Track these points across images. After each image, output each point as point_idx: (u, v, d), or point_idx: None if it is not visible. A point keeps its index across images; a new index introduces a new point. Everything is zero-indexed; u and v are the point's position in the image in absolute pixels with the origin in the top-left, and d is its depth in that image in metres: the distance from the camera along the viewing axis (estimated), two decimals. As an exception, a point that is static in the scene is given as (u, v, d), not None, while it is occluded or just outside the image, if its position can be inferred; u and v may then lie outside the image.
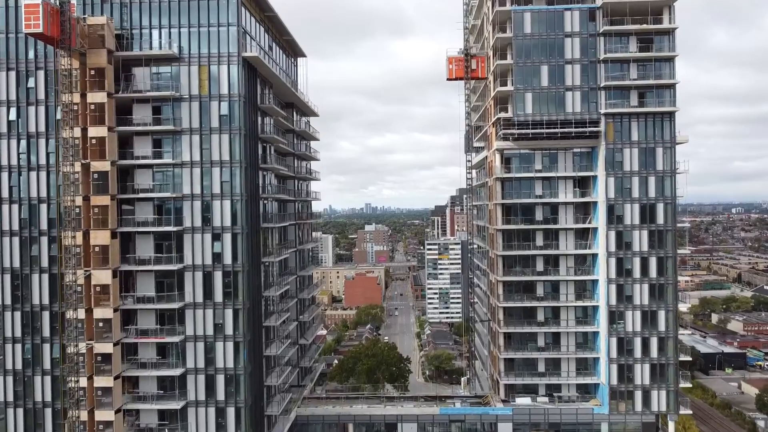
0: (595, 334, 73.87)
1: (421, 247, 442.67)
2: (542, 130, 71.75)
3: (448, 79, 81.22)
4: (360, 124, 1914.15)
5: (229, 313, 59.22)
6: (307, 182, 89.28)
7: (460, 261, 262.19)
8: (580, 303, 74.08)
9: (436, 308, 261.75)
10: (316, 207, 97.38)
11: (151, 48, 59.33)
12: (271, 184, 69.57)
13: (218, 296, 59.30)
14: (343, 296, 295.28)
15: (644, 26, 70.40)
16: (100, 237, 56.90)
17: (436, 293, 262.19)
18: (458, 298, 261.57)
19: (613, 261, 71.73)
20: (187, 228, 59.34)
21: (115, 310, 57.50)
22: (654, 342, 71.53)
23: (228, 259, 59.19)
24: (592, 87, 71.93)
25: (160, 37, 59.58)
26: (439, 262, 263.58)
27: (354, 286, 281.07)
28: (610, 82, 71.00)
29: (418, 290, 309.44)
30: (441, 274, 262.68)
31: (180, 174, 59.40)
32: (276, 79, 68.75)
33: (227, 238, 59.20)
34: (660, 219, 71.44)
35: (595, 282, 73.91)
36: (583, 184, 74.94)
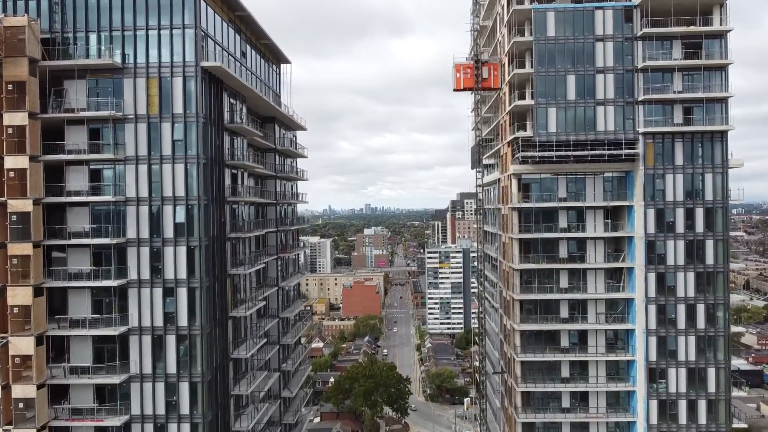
0: (630, 393, 61.33)
1: (421, 250, 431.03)
2: (569, 153, 59.18)
3: (455, 90, 68.62)
4: (359, 125, 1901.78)
5: (185, 387, 46.75)
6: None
7: (461, 270, 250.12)
8: (612, 357, 61.50)
9: (436, 319, 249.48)
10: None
11: (87, 56, 46.68)
12: (243, 218, 57.01)
13: (171, 366, 46.80)
14: (341, 305, 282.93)
15: (691, 28, 57.77)
16: (21, 295, 44.34)
17: (436, 303, 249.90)
18: (460, 308, 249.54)
19: (653, 308, 59.17)
20: (132, 281, 46.74)
21: (41, 387, 44.97)
22: (702, 406, 59.03)
23: (183, 319, 46.69)
24: (628, 101, 59.33)
25: (99, 42, 46.89)
26: (440, 270, 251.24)
27: (352, 294, 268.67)
28: (649, 95, 58.44)
29: (418, 297, 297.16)
30: (442, 283, 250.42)
31: (124, 213, 46.85)
32: (250, 92, 56.14)
33: (182, 293, 46.69)
34: (710, 258, 58.88)
35: (630, 332, 61.36)
36: (616, 216, 62.37)
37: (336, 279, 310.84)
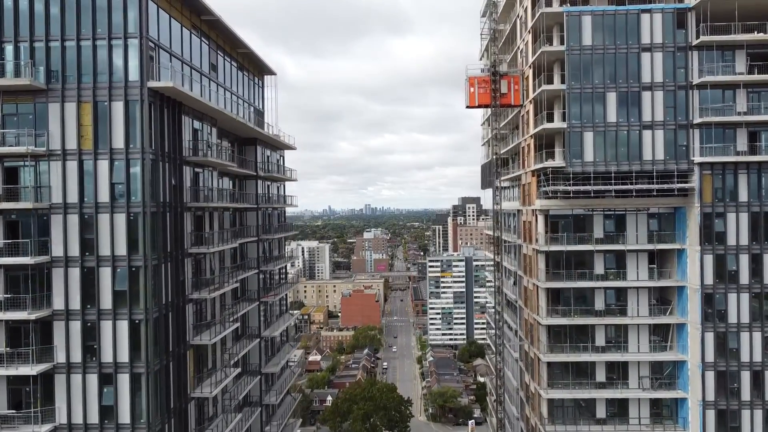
0: (681, 475, 50.43)
1: (422, 253, 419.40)
2: (609, 187, 48.09)
3: (468, 107, 57.47)
4: (359, 125, 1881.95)
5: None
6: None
7: (464, 279, 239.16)
8: (659, 430, 50.53)
9: (438, 329, 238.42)
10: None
11: (2, 74, 35.65)
12: (210, 270, 45.86)
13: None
14: (339, 313, 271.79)
15: (760, 36, 46.69)
16: None
17: (438, 313, 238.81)
18: (462, 318, 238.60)
19: (710, 375, 48.15)
20: (59, 365, 35.72)
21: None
22: (771, 495, 48.14)
23: (125, 416, 35.65)
24: (680, 124, 48.28)
25: (16, 56, 35.83)
26: (442, 279, 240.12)
27: (351, 303, 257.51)
28: (707, 117, 47.41)
29: (419, 305, 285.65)
30: (444, 292, 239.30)
31: (49, 277, 35.74)
32: (220, 114, 45.04)
33: (124, 380, 35.59)
34: (781, 316, 47.93)
35: (680, 402, 50.34)
36: (663, 260, 51.35)
37: (335, 286, 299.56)
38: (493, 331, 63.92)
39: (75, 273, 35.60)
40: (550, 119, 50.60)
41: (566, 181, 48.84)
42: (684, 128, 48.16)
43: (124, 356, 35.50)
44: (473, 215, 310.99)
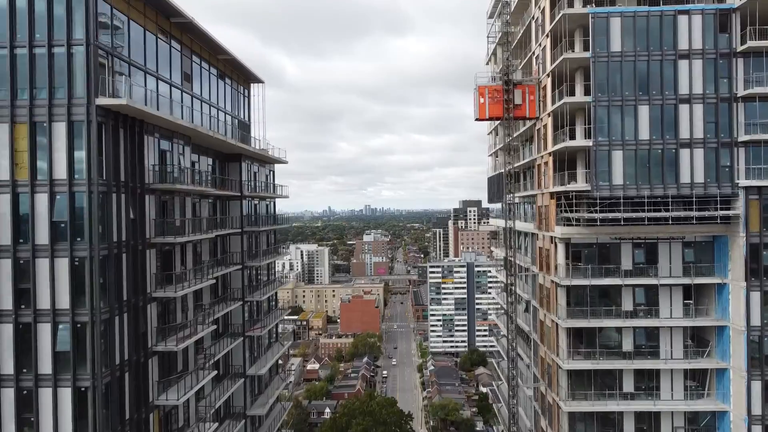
0: None
1: (422, 256, 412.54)
2: (642, 214, 41.57)
3: (478, 120, 50.98)
4: (358, 125, 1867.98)
5: None
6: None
7: (465, 285, 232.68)
8: (696, 493, 44.08)
9: (439, 336, 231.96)
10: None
11: None
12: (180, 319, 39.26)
13: None
14: (338, 318, 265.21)
15: (817, 41, 40.19)
16: None
17: (439, 320, 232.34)
18: (464, 325, 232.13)
19: (758, 431, 41.73)
20: (-11, 442, 29.25)
21: None
22: None
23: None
24: (723, 141, 41.74)
25: (-63, 67, 29.39)
26: (443, 286, 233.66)
27: (350, 310, 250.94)
28: (755, 134, 40.92)
29: (419, 310, 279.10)
30: (445, 299, 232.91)
31: (-22, 335, 29.28)
32: (194, 131, 38.55)
33: (69, 461, 29.11)
34: (839, 363, 41.42)
35: (722, 458, 43.93)
36: (700, 295, 44.84)
37: (334, 291, 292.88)
38: (506, 366, 57.27)
39: (7, 330, 29.13)
40: (572, 136, 44.08)
41: (591, 207, 42.30)
42: (727, 147, 41.63)
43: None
44: (475, 219, 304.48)
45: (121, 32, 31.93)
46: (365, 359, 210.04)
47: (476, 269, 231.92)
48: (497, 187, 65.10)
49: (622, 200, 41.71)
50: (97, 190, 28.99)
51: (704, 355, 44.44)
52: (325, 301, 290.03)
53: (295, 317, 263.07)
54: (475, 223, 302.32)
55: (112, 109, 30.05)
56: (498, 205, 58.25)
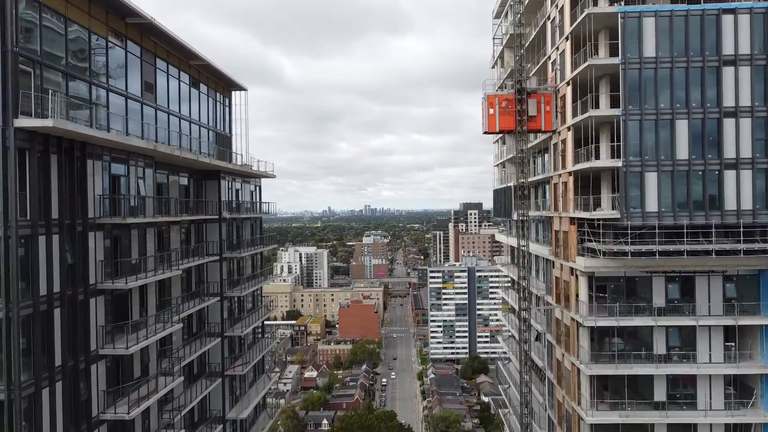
0: None
1: (422, 257, 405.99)
2: (681, 247, 35.41)
3: (486, 133, 44.89)
4: (358, 125, 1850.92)
5: None
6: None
7: (466, 290, 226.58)
8: None
9: (440, 342, 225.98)
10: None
11: None
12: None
13: None
14: (337, 323, 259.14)
15: None
16: None
17: (439, 326, 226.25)
18: (464, 331, 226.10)
19: (814, 499, 35.65)
20: None
21: None
22: None
23: None
24: (775, 162, 35.66)
25: None
26: (443, 291, 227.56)
27: (349, 315, 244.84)
28: (813, 153, 34.83)
29: (419, 315, 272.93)
30: (445, 304, 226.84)
31: None
32: (154, 152, 32.38)
33: None
34: None
35: None
36: (744, 337, 38.68)
37: (333, 295, 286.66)
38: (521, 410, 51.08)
39: None
40: (597, 154, 37.92)
41: (620, 237, 36.14)
42: (780, 168, 35.52)
43: None
44: (475, 222, 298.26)
45: (54, 36, 25.76)
46: (364, 366, 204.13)
47: (477, 274, 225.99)
48: (505, 202, 59.11)
49: (657, 230, 35.56)
50: (16, 234, 22.85)
51: (748, 406, 38.30)
52: (324, 305, 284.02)
53: (293, 322, 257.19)
54: (475, 226, 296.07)
55: (38, 131, 23.90)
56: (518, 252, 51.80)
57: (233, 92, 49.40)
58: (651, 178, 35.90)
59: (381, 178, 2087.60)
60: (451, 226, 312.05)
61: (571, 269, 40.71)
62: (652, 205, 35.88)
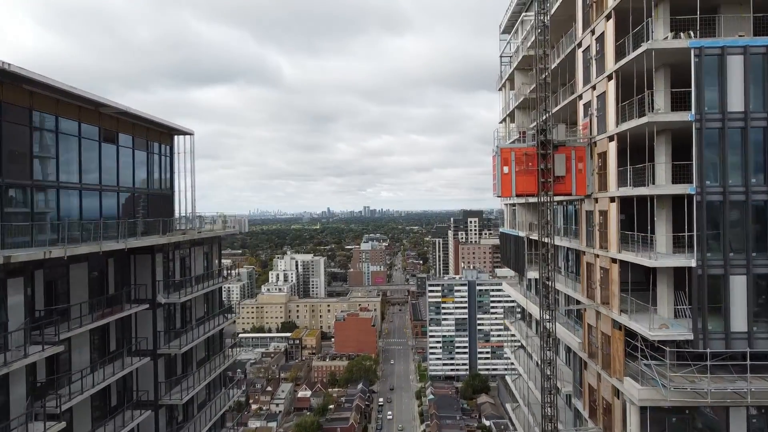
0: None
1: (421, 262, 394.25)
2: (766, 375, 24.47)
3: (499, 197, 33.95)
4: (356, 126, 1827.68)
5: None
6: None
7: (466, 305, 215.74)
8: None
9: (439, 359, 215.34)
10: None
11: None
12: None
13: None
14: (333, 336, 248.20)
15: None
16: None
17: (438, 342, 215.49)
18: (465, 347, 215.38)
19: None
20: None
21: None
22: None
23: None
24: None
25: None
26: (443, 305, 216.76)
27: (345, 328, 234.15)
28: None
29: (418, 326, 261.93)
30: (445, 319, 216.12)
31: None
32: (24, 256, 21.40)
33: None
34: None
35: None
36: None
37: (329, 305, 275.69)
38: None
39: None
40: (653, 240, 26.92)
41: (692, 367, 25.22)
42: None
43: None
44: (476, 230, 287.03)
45: None
46: (360, 386, 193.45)
47: (478, 288, 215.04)
48: (516, 254, 48.37)
49: (748, 353, 24.58)
50: None
51: None
52: (320, 316, 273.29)
53: (288, 335, 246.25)
54: (475, 234, 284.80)
55: None
56: (542, 349, 40.87)
57: (176, 136, 38.37)
58: (738, 284, 24.91)
59: (380, 178, 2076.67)
60: (450, 234, 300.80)
61: (615, 390, 29.73)
62: (739, 322, 24.88)
